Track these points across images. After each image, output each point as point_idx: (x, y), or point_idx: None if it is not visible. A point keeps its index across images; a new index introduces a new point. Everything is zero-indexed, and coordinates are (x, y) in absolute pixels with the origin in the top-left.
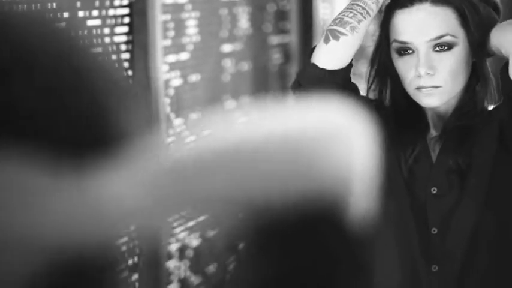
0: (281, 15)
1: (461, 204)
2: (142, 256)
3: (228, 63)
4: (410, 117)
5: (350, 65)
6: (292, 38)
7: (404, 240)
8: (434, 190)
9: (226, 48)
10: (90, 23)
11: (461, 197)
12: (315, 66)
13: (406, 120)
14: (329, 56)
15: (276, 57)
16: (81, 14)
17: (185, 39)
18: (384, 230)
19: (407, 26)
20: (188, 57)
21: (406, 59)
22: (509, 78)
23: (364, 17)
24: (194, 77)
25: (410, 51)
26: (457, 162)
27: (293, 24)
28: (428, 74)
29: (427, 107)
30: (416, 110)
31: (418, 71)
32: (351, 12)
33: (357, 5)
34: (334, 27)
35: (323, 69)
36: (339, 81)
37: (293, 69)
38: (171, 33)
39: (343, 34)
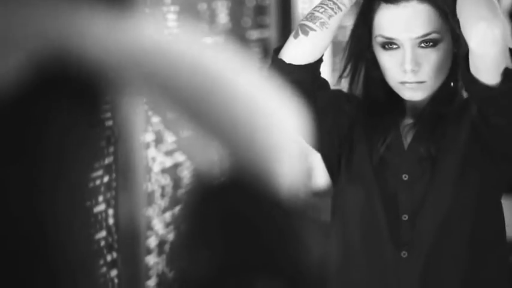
0: (260, 10)
1: (432, 191)
2: (121, 252)
3: None
4: (385, 107)
5: (320, 60)
6: (271, 33)
7: (373, 227)
8: (405, 177)
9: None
10: None
11: (432, 184)
12: (281, 61)
13: (380, 109)
14: (297, 50)
15: (255, 51)
16: None
17: None
18: (352, 216)
19: (394, 22)
20: None
21: (391, 53)
22: (470, 76)
23: (335, 12)
24: None
25: (395, 46)
26: (428, 150)
27: (272, 19)
28: (413, 70)
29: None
30: (394, 100)
31: (404, 67)
32: (322, 7)
33: (329, 0)
34: (305, 22)
35: (290, 64)
36: (305, 77)
37: None
38: None
39: (312, 29)
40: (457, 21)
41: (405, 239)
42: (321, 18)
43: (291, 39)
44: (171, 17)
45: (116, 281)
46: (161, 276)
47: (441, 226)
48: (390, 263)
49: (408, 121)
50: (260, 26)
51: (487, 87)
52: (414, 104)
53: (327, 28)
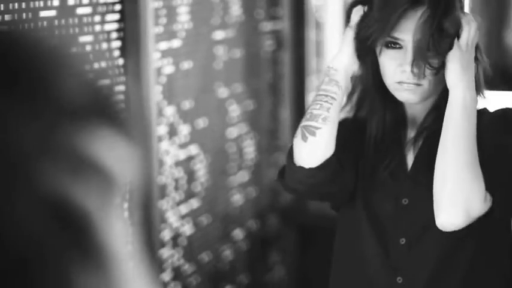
0: (273, 2)
1: (431, 217)
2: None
3: (220, 50)
4: (390, 118)
5: (334, 154)
6: (285, 25)
7: (369, 249)
8: (405, 201)
9: (218, 35)
10: (80, 11)
11: (431, 210)
12: (301, 168)
13: (383, 125)
14: (311, 152)
15: (268, 43)
16: (71, 2)
17: (177, 26)
18: (349, 238)
19: (404, 23)
20: (180, 45)
21: (393, 52)
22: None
23: (331, 103)
24: (186, 65)
25: (398, 46)
26: (428, 177)
27: (285, 10)
28: (413, 72)
29: (406, 106)
30: (395, 109)
31: (404, 67)
32: (317, 104)
33: (319, 95)
34: (307, 123)
35: (310, 168)
36: (326, 175)
37: (285, 56)
38: (163, 21)
39: (317, 128)
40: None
41: (401, 264)
42: (321, 115)
43: (299, 143)
44: (184, 9)
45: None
46: (177, 269)
47: (440, 252)
48: (385, 285)
49: (410, 134)
50: (273, 17)
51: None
52: (414, 116)
53: (329, 121)
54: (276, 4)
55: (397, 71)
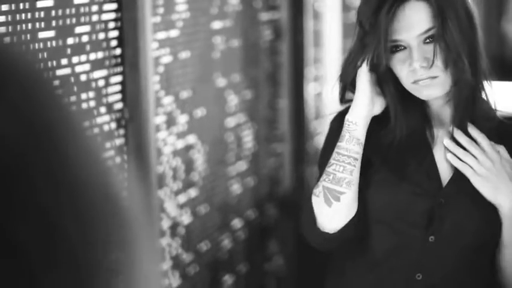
0: None
1: (464, 214)
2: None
3: (218, 40)
4: (413, 119)
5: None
6: (283, 14)
7: (398, 245)
8: (442, 201)
9: (216, 25)
10: (77, 0)
11: (465, 207)
12: (325, 233)
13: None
14: (337, 219)
15: (267, 33)
16: None
17: (175, 16)
18: (378, 236)
19: (397, 24)
20: (178, 34)
21: (400, 55)
22: None
23: (354, 165)
24: (184, 54)
25: (402, 47)
26: (469, 183)
27: (283, 0)
28: (423, 66)
29: (428, 103)
30: (417, 109)
31: (413, 65)
32: (339, 165)
33: (342, 155)
34: (331, 185)
35: (334, 233)
36: (350, 233)
37: (284, 45)
38: (161, 10)
39: (342, 193)
40: (455, 19)
41: (424, 261)
42: (345, 179)
43: (322, 207)
44: None
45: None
46: (175, 258)
47: (465, 253)
48: (403, 281)
49: (438, 132)
50: (271, 7)
51: None
52: (437, 113)
53: (353, 184)
54: None
55: (409, 71)
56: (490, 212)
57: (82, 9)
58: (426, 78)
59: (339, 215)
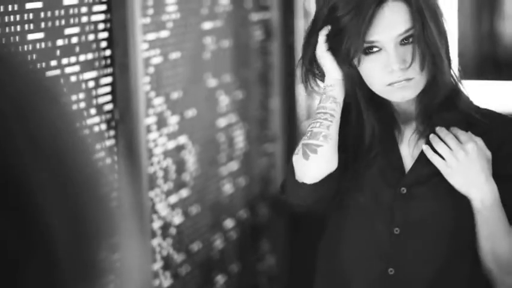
0: None
1: (429, 207)
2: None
3: (208, 40)
4: (380, 120)
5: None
6: (273, 15)
7: (366, 240)
8: (403, 190)
9: (207, 25)
10: (66, 1)
11: (430, 202)
12: (304, 184)
13: (376, 127)
14: (314, 170)
15: (257, 33)
16: None
17: (165, 17)
18: (346, 224)
19: (375, 24)
20: (168, 35)
21: (374, 57)
22: None
23: (331, 121)
24: (174, 55)
25: (376, 49)
26: (430, 170)
27: (273, 0)
28: (401, 68)
29: (393, 103)
30: (383, 110)
31: (391, 67)
32: (317, 122)
33: (319, 113)
34: (308, 141)
35: (314, 184)
36: (332, 187)
37: (274, 46)
38: (150, 11)
39: (319, 146)
40: (430, 18)
41: (394, 254)
42: (321, 132)
43: (301, 161)
44: (171, 0)
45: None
46: (166, 259)
47: (434, 243)
48: (374, 279)
49: (405, 130)
50: (262, 7)
51: None
52: (404, 111)
53: (330, 139)
54: None
55: (384, 73)
56: (456, 200)
57: (71, 11)
58: (402, 80)
59: (316, 164)
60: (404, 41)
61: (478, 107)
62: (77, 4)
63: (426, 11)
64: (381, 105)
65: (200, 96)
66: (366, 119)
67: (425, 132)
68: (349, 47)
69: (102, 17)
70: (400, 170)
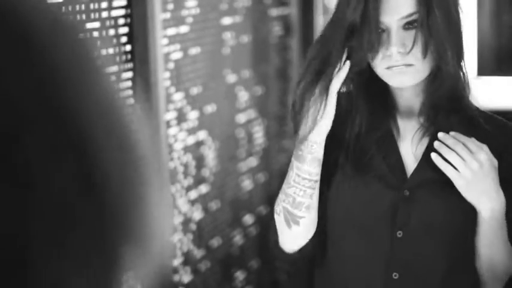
0: None
1: (433, 209)
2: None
3: (228, 36)
4: (377, 110)
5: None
6: (292, 10)
7: (367, 244)
8: (406, 193)
9: (226, 20)
10: None
11: (434, 205)
12: (286, 253)
13: (372, 118)
14: (296, 239)
15: (276, 29)
16: None
17: (184, 12)
18: (345, 226)
19: (381, 5)
20: (188, 30)
21: None
22: None
23: (314, 188)
24: (194, 50)
25: (380, 30)
26: (434, 171)
27: None
28: (400, 52)
29: (395, 94)
30: (382, 99)
31: (390, 50)
32: (300, 189)
33: (303, 178)
34: (291, 210)
35: (293, 252)
36: (309, 251)
37: (293, 42)
38: (170, 6)
39: (301, 217)
40: (438, 5)
41: (398, 259)
42: (304, 203)
43: (284, 228)
44: None
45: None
46: (187, 254)
47: (437, 247)
48: (378, 285)
49: (405, 125)
50: (281, 3)
51: None
52: (407, 104)
53: (313, 208)
54: None
55: (384, 55)
56: (460, 203)
57: (92, 6)
58: (401, 64)
59: (298, 237)
60: (408, 25)
61: (479, 110)
62: None
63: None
64: (378, 98)
65: (219, 91)
66: (356, 109)
67: (430, 129)
68: (367, 36)
69: (122, 12)
70: (401, 170)
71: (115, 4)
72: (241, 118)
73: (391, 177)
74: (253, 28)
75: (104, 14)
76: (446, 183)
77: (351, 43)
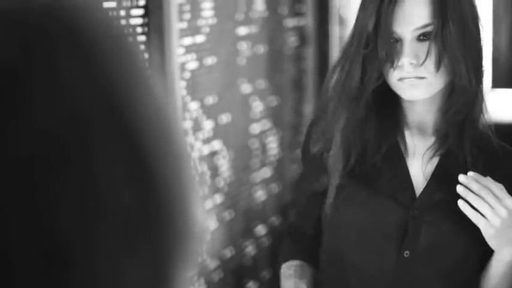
0: None
1: (441, 232)
2: None
3: (243, 46)
4: (385, 126)
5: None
6: (308, 21)
7: (374, 262)
8: (415, 213)
9: (242, 31)
10: (105, 5)
11: (442, 224)
12: None
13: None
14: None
15: (292, 40)
16: None
17: (201, 22)
18: (350, 244)
19: (395, 15)
20: (204, 40)
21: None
22: None
23: None
24: (210, 60)
25: (393, 40)
26: (444, 192)
27: (309, 6)
28: (412, 63)
29: (406, 109)
30: (390, 115)
31: (401, 60)
32: None
33: None
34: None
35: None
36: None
37: (309, 52)
38: (187, 16)
39: None
40: (456, 20)
41: (402, 277)
42: None
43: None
44: (208, 5)
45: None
46: (200, 265)
47: (444, 268)
48: None
49: (415, 142)
50: (297, 13)
51: None
52: (419, 121)
53: None
54: (299, 0)
55: (396, 66)
56: (469, 228)
57: (109, 14)
58: (413, 77)
59: None
60: (423, 37)
61: (493, 132)
62: (114, 8)
63: (451, 8)
64: (388, 115)
65: (234, 101)
66: (365, 122)
67: (442, 149)
68: (383, 47)
69: (139, 21)
70: (410, 189)
71: (132, 13)
72: (256, 128)
73: (400, 196)
74: (269, 38)
75: (122, 22)
76: (455, 205)
77: (366, 53)
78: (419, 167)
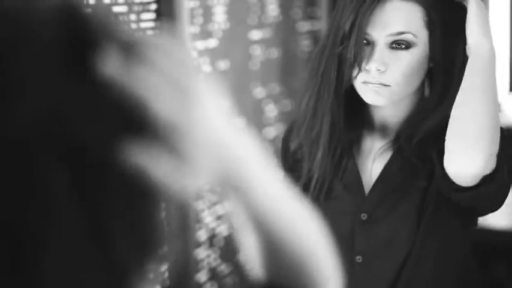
0: (310, 1)
1: (392, 230)
2: (171, 245)
3: (256, 50)
4: (347, 124)
5: None
6: (322, 25)
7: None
8: (364, 216)
9: (255, 35)
10: (115, 9)
11: (393, 226)
12: None
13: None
14: None
15: (305, 44)
16: (107, 0)
17: (213, 26)
18: None
19: (372, 18)
20: (216, 44)
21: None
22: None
23: None
24: (223, 64)
25: (365, 43)
26: (394, 192)
27: (322, 10)
28: (379, 70)
29: (372, 110)
30: (354, 114)
31: (369, 65)
32: None
33: None
34: None
35: None
36: None
37: None
38: (199, 20)
39: None
40: (443, 32)
41: (356, 284)
42: None
43: None
44: (220, 9)
45: (166, 274)
46: (213, 270)
47: (397, 273)
48: None
49: (376, 142)
50: (310, 17)
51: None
52: (383, 122)
53: None
54: (313, 4)
55: (364, 69)
56: (420, 221)
57: (120, 18)
58: (377, 83)
59: None
60: (395, 45)
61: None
62: (125, 12)
63: (432, 21)
64: (353, 111)
65: (248, 106)
66: (328, 110)
67: (390, 149)
68: (353, 47)
69: (150, 24)
70: (360, 193)
71: (143, 17)
72: (270, 133)
73: (348, 200)
74: (282, 42)
75: (133, 27)
76: (404, 200)
77: (340, 52)
78: (373, 169)
